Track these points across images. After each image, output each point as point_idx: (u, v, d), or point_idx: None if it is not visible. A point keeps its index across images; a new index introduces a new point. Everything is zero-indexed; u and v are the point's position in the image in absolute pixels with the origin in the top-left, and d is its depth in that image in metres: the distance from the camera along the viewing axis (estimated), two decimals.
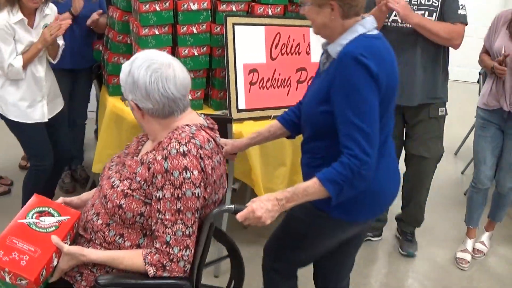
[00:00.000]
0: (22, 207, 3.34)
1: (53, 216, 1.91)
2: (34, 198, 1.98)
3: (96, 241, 1.89)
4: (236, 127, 2.99)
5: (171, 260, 1.75)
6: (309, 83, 3.13)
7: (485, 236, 3.68)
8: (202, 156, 1.78)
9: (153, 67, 1.78)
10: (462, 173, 4.95)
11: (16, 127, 3.20)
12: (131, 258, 1.80)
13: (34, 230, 1.84)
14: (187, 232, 1.76)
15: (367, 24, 1.88)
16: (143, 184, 1.79)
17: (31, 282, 1.70)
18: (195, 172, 1.75)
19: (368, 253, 3.51)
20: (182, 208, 1.74)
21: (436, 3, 3.04)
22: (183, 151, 1.75)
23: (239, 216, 1.79)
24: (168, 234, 1.75)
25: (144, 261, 1.76)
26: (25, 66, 3.03)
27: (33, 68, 3.11)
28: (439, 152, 3.31)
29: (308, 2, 1.91)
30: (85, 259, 1.82)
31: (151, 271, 1.75)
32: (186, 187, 1.74)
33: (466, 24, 3.06)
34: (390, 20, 3.09)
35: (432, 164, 3.33)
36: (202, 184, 1.78)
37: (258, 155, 3.06)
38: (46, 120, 3.23)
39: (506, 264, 3.57)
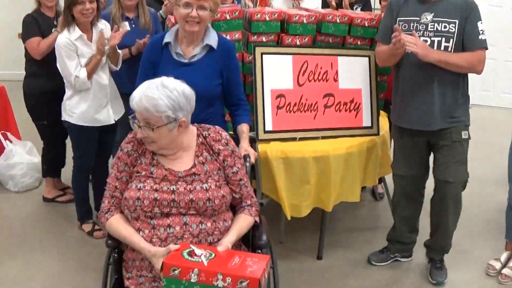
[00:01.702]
0: (75, 206, 3.76)
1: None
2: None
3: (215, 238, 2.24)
4: (261, 147, 3.22)
5: (257, 205, 2.43)
6: (332, 105, 3.38)
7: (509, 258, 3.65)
8: None
9: (182, 85, 2.25)
10: None
11: (79, 131, 3.59)
12: (245, 222, 2.34)
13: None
14: None
15: None
16: (219, 171, 2.32)
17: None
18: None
19: (396, 275, 3.54)
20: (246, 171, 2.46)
21: (452, 29, 3.04)
22: (227, 136, 2.41)
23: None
24: (250, 190, 2.42)
25: (252, 217, 2.36)
26: (89, 76, 3.45)
27: (97, 77, 3.53)
28: (464, 176, 3.26)
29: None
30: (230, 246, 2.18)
31: (257, 220, 2.39)
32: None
33: (487, 49, 3.09)
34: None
35: (458, 188, 3.26)
36: None
37: (283, 173, 3.28)
38: (113, 122, 3.66)
39: None
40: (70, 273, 3.39)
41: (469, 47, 3.06)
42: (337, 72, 3.55)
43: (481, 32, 3.06)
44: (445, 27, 3.06)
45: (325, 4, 5.43)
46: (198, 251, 2.01)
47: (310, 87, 3.47)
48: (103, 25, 3.61)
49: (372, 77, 3.64)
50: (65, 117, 3.58)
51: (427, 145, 3.31)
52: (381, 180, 4.15)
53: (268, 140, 3.34)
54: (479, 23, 3.06)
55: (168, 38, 2.73)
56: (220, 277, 1.91)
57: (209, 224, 2.22)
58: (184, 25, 2.64)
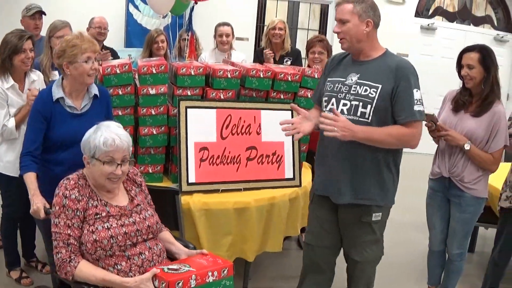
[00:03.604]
0: (4, 253, 3.75)
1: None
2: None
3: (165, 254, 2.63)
4: (184, 199, 3.29)
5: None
6: (255, 157, 3.48)
7: None
8: None
9: None
10: None
11: (7, 180, 3.57)
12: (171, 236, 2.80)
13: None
14: None
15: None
16: (145, 199, 2.70)
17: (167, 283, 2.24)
18: None
19: None
20: None
21: (373, 94, 2.72)
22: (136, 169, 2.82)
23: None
24: None
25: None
26: (17, 126, 3.44)
27: (25, 127, 3.51)
28: (374, 256, 3.01)
29: None
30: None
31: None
32: None
33: (423, 120, 2.78)
34: (328, 108, 2.89)
35: (366, 268, 3.04)
36: None
37: (205, 224, 3.33)
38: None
39: None
40: None
41: (400, 119, 2.73)
42: (260, 125, 3.67)
43: (416, 101, 2.71)
44: (365, 90, 2.75)
45: (258, 57, 5.57)
46: (173, 266, 2.37)
47: (233, 140, 3.57)
48: (36, 76, 3.64)
49: None
50: None
51: (335, 217, 3.02)
52: (304, 229, 4.24)
53: (191, 192, 3.40)
54: (415, 91, 2.72)
55: (57, 93, 2.88)
56: (210, 273, 2.36)
57: (160, 244, 2.59)
58: (85, 79, 2.88)
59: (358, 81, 2.80)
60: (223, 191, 3.48)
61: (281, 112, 3.73)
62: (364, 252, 2.96)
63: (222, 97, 3.62)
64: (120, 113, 3.46)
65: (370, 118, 2.75)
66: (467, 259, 3.75)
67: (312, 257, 3.15)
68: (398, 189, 2.99)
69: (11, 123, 3.42)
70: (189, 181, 3.41)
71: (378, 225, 2.94)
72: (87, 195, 2.43)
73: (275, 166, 3.67)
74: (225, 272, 2.43)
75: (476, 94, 3.42)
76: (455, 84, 3.78)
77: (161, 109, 3.53)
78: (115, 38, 7.09)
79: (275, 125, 3.64)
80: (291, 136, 3.64)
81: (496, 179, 3.98)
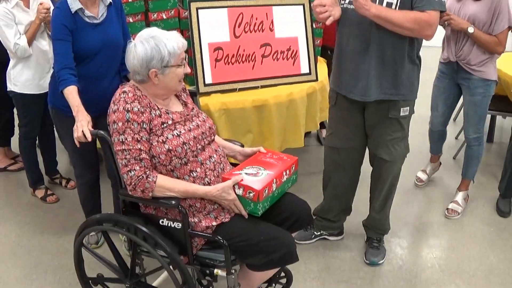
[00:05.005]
0: (26, 173, 3.86)
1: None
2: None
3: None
4: (202, 100, 3.31)
5: None
6: (270, 54, 3.45)
7: (459, 196, 3.85)
8: None
9: None
10: (456, 138, 5.10)
11: (25, 100, 3.60)
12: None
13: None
14: None
15: None
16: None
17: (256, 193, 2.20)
18: None
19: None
20: None
21: None
22: None
23: None
24: None
25: None
26: (29, 42, 3.43)
27: (38, 43, 3.51)
28: (401, 154, 3.01)
29: None
30: None
31: None
32: None
33: (443, 11, 2.69)
34: (347, 1, 2.74)
35: (394, 166, 3.03)
36: None
37: (225, 124, 3.37)
38: None
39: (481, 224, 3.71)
40: (26, 237, 3.47)
41: (419, 6, 2.59)
42: (272, 22, 3.62)
43: None
44: None
45: None
46: (249, 170, 2.32)
47: (247, 38, 3.54)
48: None
49: (308, 25, 3.72)
50: (10, 87, 3.58)
51: (362, 116, 2.98)
52: (323, 124, 4.28)
53: (208, 93, 3.42)
54: None
55: (75, 5, 2.75)
56: (284, 173, 2.35)
57: (220, 146, 2.52)
58: None
59: None
60: (241, 89, 3.50)
61: (293, 7, 3.68)
62: (393, 150, 2.95)
63: None
64: (131, 20, 3.43)
65: (397, 8, 2.62)
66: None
67: (337, 160, 3.11)
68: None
69: (23, 40, 3.40)
70: (206, 82, 3.42)
71: (406, 120, 2.92)
72: (148, 106, 2.27)
73: (290, 62, 3.65)
74: (293, 167, 2.43)
75: None
76: None
77: (172, 12, 3.49)
78: None
79: (288, 21, 3.66)
80: (304, 31, 3.65)
81: (506, 66, 3.96)
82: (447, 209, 3.78)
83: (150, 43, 2.22)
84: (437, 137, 4.04)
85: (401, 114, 2.86)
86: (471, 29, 3.34)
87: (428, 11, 2.57)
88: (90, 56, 2.82)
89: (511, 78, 4.12)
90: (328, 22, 2.67)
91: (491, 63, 3.50)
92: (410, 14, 2.57)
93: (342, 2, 2.76)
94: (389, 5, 2.61)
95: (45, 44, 3.56)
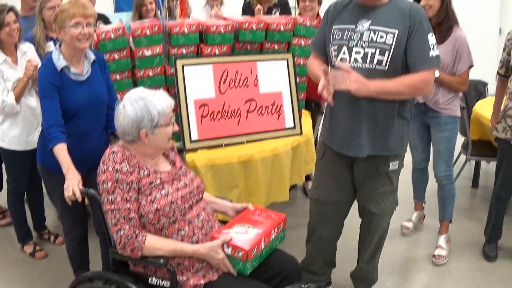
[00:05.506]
0: (15, 229, 3.83)
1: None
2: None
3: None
4: (189, 156, 3.34)
5: None
6: (254, 110, 3.51)
7: (441, 240, 3.90)
8: None
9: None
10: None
11: (13, 156, 3.63)
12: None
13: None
14: None
15: None
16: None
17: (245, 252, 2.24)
18: None
19: None
20: None
21: (390, 41, 2.59)
22: None
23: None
24: None
25: None
26: (17, 99, 3.46)
27: (26, 100, 3.55)
28: (390, 208, 3.00)
29: None
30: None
31: None
32: None
33: (438, 65, 2.68)
34: (339, 59, 2.75)
35: (383, 220, 3.04)
36: None
37: (212, 180, 3.39)
38: None
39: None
40: None
41: (416, 67, 2.60)
42: (257, 77, 3.70)
43: (431, 47, 2.59)
44: (381, 37, 2.61)
45: (245, 11, 5.51)
46: (238, 229, 2.37)
47: (232, 94, 3.61)
48: (27, 47, 3.64)
49: (291, 79, 3.80)
50: None
51: (350, 171, 2.97)
52: (309, 177, 4.32)
53: (195, 149, 3.46)
54: (429, 36, 2.60)
55: (61, 62, 2.81)
56: (273, 231, 2.41)
57: (208, 204, 2.57)
58: (76, 44, 2.79)
59: (370, 27, 2.64)
60: (227, 145, 3.54)
61: (277, 62, 3.76)
62: (382, 204, 2.94)
63: (217, 52, 3.64)
64: (118, 78, 3.49)
65: (387, 65, 2.62)
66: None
67: (323, 213, 3.09)
68: None
69: (11, 97, 3.43)
70: (192, 139, 3.47)
71: (395, 174, 2.93)
72: (137, 166, 2.31)
73: (275, 117, 3.72)
74: (282, 225, 2.49)
75: (435, 22, 3.52)
76: None
77: (158, 69, 3.56)
78: (104, 4, 7.04)
79: (272, 76, 3.73)
80: (288, 86, 3.73)
81: (488, 111, 4.07)
82: (433, 255, 3.81)
83: (139, 104, 2.29)
84: (420, 175, 4.13)
85: (391, 168, 2.87)
86: (437, 73, 3.46)
87: (424, 71, 2.58)
88: (78, 113, 2.86)
89: (488, 121, 4.19)
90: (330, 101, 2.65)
91: (456, 100, 3.68)
92: (407, 80, 2.58)
93: (334, 59, 2.77)
94: (379, 62, 2.62)
95: (33, 100, 3.60)
